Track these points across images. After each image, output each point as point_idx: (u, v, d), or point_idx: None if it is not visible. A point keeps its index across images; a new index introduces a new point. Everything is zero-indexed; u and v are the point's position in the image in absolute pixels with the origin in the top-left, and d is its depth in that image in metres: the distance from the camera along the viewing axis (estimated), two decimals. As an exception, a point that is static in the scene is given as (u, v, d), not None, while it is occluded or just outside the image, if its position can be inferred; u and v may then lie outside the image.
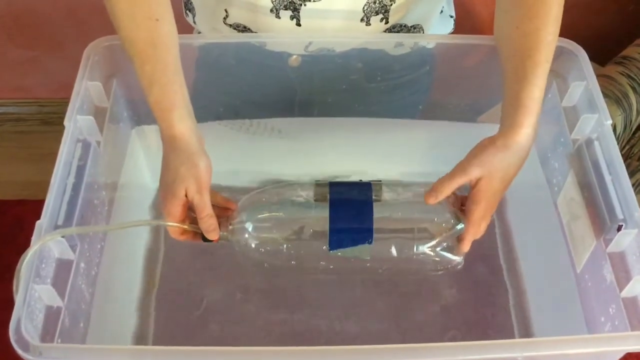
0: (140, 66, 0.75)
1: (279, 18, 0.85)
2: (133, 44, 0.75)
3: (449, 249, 0.80)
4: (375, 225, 0.78)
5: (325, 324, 0.96)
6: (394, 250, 0.80)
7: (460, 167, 0.75)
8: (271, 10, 0.84)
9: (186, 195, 0.73)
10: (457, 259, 0.81)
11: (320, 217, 0.79)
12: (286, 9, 0.84)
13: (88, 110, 0.84)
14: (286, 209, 0.80)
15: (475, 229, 0.77)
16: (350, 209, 0.78)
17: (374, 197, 0.80)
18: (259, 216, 0.79)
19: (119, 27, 0.76)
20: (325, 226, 0.78)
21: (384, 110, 1.01)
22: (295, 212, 0.80)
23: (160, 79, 0.74)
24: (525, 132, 0.74)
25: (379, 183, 0.81)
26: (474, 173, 0.74)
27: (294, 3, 0.83)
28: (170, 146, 0.74)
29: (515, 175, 0.76)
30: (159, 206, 0.78)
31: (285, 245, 0.79)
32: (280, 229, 0.79)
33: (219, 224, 0.78)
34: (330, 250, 0.77)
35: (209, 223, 0.75)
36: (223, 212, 0.81)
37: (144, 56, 0.75)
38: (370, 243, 0.78)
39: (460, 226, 0.79)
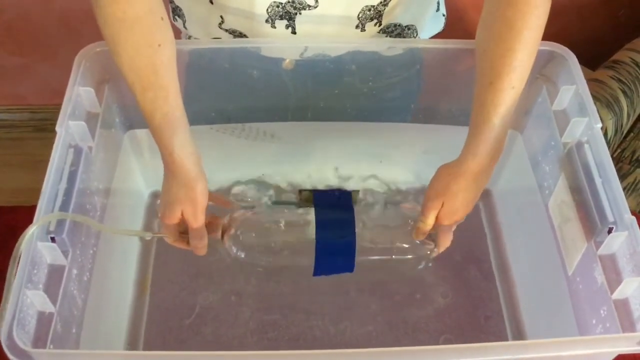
0: (141, 92, 0.75)
1: (275, 27, 0.85)
2: (133, 70, 0.74)
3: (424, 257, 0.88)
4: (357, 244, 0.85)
5: (319, 327, 0.96)
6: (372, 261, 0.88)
7: (425, 205, 0.82)
8: (267, 21, 0.84)
9: (182, 214, 0.80)
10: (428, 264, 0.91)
11: (305, 238, 0.85)
12: (282, 19, 0.84)
13: (80, 116, 0.84)
14: (273, 229, 0.86)
15: (443, 242, 0.85)
16: (335, 241, 0.85)
17: (356, 218, 0.86)
18: (248, 235, 0.85)
19: (117, 54, 0.74)
20: (308, 244, 0.83)
21: (377, 111, 1.01)
22: (282, 232, 0.87)
23: (163, 107, 0.75)
24: (478, 160, 0.76)
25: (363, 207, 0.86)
26: (436, 204, 0.80)
27: (289, 12, 0.83)
28: (170, 170, 0.78)
29: (477, 197, 0.81)
30: (159, 218, 0.83)
31: (272, 258, 0.85)
32: (266, 248, 0.85)
33: (213, 234, 0.85)
34: (313, 275, 0.85)
35: (201, 243, 0.82)
36: (215, 221, 0.86)
37: (145, 83, 0.74)
38: (351, 272, 0.85)
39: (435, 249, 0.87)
